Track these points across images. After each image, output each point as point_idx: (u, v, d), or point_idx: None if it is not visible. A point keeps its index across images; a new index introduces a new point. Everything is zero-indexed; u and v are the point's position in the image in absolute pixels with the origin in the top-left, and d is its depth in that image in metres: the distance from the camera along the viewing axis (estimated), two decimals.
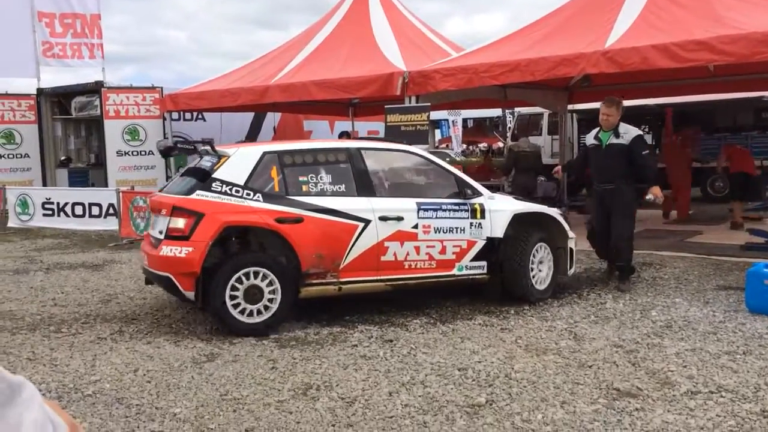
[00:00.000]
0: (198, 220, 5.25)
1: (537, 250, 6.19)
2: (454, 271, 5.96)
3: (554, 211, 6.56)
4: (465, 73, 9.08)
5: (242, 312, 5.26)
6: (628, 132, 6.68)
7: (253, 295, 5.28)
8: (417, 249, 5.79)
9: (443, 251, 5.88)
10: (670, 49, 7.46)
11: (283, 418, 3.73)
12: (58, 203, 11.86)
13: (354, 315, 5.86)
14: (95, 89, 12.83)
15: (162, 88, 12.65)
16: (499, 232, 5.99)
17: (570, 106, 13.95)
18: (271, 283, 5.31)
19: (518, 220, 6.14)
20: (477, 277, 6.07)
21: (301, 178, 5.67)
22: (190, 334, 5.37)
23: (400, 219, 5.72)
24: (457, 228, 5.93)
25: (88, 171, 14.11)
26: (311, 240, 5.43)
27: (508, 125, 24.04)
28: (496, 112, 28.36)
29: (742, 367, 4.33)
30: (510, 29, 10.02)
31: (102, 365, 4.74)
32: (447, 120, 29.75)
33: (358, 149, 6.00)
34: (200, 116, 13.73)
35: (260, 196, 5.46)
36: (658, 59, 7.57)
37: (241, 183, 5.46)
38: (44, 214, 12.11)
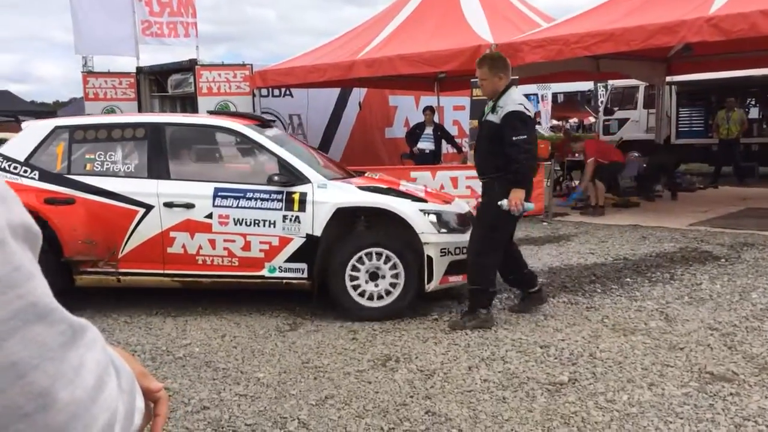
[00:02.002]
0: None
1: (365, 257, 4.99)
2: (264, 273, 5.10)
3: (406, 207, 5.03)
4: (555, 44, 8.76)
5: None
6: (505, 106, 4.69)
7: None
8: (212, 242, 5.10)
9: (247, 247, 5.07)
10: None
11: (362, 388, 3.77)
12: None
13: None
14: (189, 67, 13.26)
15: (252, 65, 12.92)
16: (319, 230, 5.00)
17: (669, 78, 13.25)
18: None
19: (344, 215, 5.08)
20: (294, 282, 5.10)
21: (88, 156, 5.36)
22: (273, 305, 5.50)
23: (189, 206, 5.09)
24: (265, 221, 5.04)
25: None
26: (79, 224, 5.08)
27: (601, 99, 23.16)
28: (587, 85, 27.39)
29: None
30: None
31: (192, 330, 4.95)
32: (536, 94, 29.03)
33: (161, 125, 5.47)
34: (288, 92, 13.95)
35: (37, 173, 5.21)
36: (767, 25, 7.03)
37: (22, 159, 5.26)
38: None
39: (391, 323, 4.93)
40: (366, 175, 6.02)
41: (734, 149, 13.66)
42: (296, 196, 5.05)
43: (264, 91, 13.05)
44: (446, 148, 12.68)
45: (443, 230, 5.06)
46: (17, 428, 0.56)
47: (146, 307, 5.48)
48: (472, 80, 9.33)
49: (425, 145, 11.70)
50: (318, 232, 5.00)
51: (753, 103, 15.88)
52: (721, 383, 3.66)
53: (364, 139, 15.02)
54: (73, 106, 28.90)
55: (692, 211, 9.74)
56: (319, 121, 14.44)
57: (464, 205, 5.73)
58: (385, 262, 5.02)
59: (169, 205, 5.12)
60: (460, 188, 9.55)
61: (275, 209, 5.05)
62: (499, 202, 4.65)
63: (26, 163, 5.32)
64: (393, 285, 5.04)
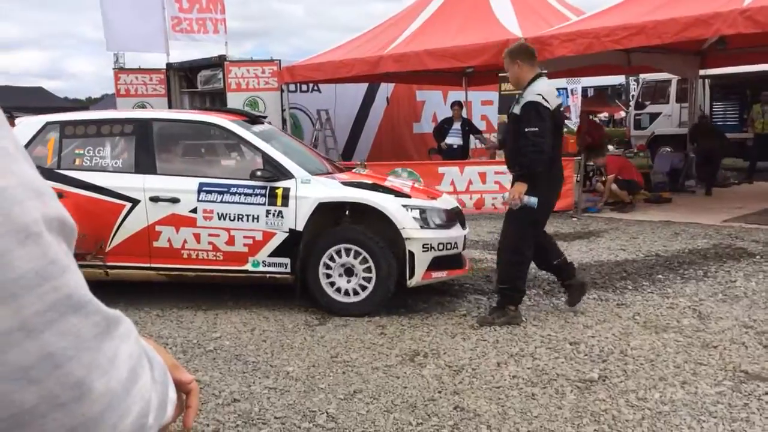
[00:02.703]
0: None
1: (340, 253, 5.03)
2: (248, 267, 5.17)
3: (388, 203, 5.04)
4: (585, 37, 8.65)
5: None
6: (526, 96, 4.57)
7: None
8: (197, 237, 5.18)
9: (231, 242, 5.15)
10: None
11: (390, 382, 3.78)
12: None
13: (464, 283, 5.81)
14: (218, 63, 13.37)
15: (280, 60, 12.98)
16: (301, 225, 5.05)
17: (702, 72, 13.00)
18: None
19: (329, 211, 5.17)
20: (277, 276, 5.17)
21: (78, 151, 5.45)
22: (301, 301, 5.53)
23: (175, 201, 5.18)
24: (249, 215, 5.11)
25: None
26: None
27: (632, 93, 22.82)
28: (618, 79, 27.01)
29: None
30: None
31: (222, 324, 5.01)
32: (566, 89, 28.72)
33: (148, 120, 5.55)
34: (316, 87, 14.00)
35: None
36: None
37: None
38: None
39: (419, 318, 4.93)
40: (354, 170, 6.08)
41: None
42: (279, 191, 5.11)
43: (292, 87, 13.11)
44: (474, 143, 12.62)
45: (426, 226, 5.06)
46: (54, 417, 0.57)
47: (177, 301, 5.55)
48: (500, 75, 9.27)
49: (453, 140, 11.65)
50: (300, 227, 5.06)
51: None
52: (756, 382, 3.59)
53: (391, 134, 15.01)
54: (105, 102, 29.35)
55: (726, 207, 9.56)
56: (347, 116, 14.47)
57: (451, 201, 5.69)
58: (358, 258, 5.03)
59: (154, 199, 5.22)
60: (489, 183, 9.51)
61: (259, 204, 5.11)
62: (504, 194, 4.59)
63: None
64: (368, 280, 5.03)
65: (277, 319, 5.05)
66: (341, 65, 11.46)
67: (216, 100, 13.78)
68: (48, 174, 5.38)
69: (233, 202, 5.15)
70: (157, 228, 5.24)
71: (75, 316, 0.60)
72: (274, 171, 5.17)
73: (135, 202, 5.25)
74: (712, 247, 7.04)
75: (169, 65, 14.17)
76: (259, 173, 5.13)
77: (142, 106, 13.59)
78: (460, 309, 5.15)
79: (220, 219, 5.16)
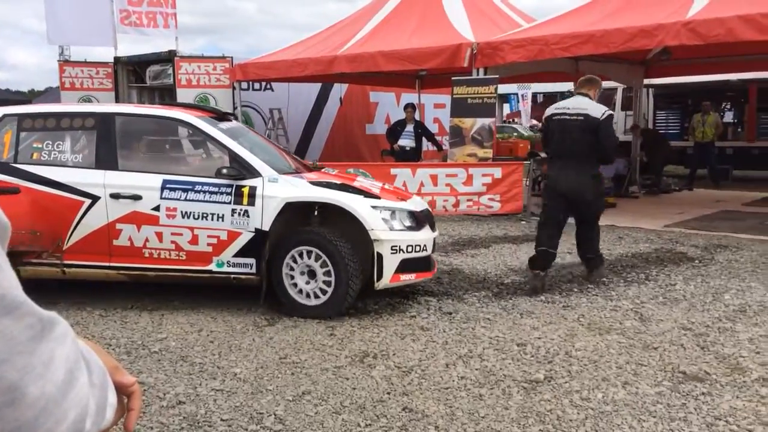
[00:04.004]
0: None
1: (302, 255, 4.95)
2: (212, 267, 5.02)
3: (357, 203, 4.99)
4: (535, 44, 8.83)
5: None
6: None
7: None
8: (159, 235, 5.02)
9: (194, 241, 4.99)
10: (757, 20, 7.02)
11: (339, 384, 3.77)
12: None
13: (413, 286, 5.84)
14: (168, 58, 13.13)
15: (232, 57, 12.83)
16: (267, 224, 4.93)
17: (646, 81, 13.41)
18: None
19: (294, 210, 5.09)
20: (242, 277, 5.04)
21: (36, 145, 5.27)
22: (251, 301, 5.47)
23: (137, 198, 5.00)
24: (213, 214, 4.95)
25: None
26: (23, 214, 4.95)
27: None
28: (567, 86, 27.61)
29: None
30: (581, 2, 9.62)
31: (168, 324, 4.91)
32: (516, 94, 29.12)
33: (110, 114, 5.34)
34: (269, 86, 13.88)
35: None
36: (744, 31, 7.15)
37: None
38: None
39: (369, 320, 4.93)
40: (323, 170, 5.99)
41: (709, 152, 13.87)
42: (246, 190, 4.96)
43: (244, 85, 12.98)
44: (427, 145, 12.71)
45: (396, 227, 5.01)
46: None
47: (122, 300, 5.42)
48: (453, 78, 9.37)
49: (406, 142, 11.72)
50: (267, 227, 4.93)
51: (728, 107, 16.13)
52: (694, 383, 3.72)
53: (344, 134, 14.99)
54: (49, 95, 28.46)
55: (667, 213, 9.88)
56: (300, 115, 14.38)
57: (421, 203, 5.63)
58: (318, 261, 4.94)
59: (115, 196, 5.05)
60: (440, 186, 9.58)
61: (224, 203, 4.97)
62: None
63: None
64: (329, 284, 4.93)
65: (225, 320, 4.98)
66: (294, 64, 11.40)
67: (165, 96, 13.52)
68: (3, 168, 5.21)
69: (198, 200, 4.99)
70: (118, 226, 5.06)
71: (8, 318, 0.57)
72: (241, 169, 5.02)
73: (95, 199, 5.06)
74: (654, 252, 7.26)
75: (116, 59, 13.84)
76: (225, 171, 4.98)
77: (88, 100, 13.22)
78: (410, 310, 5.17)
79: (183, 217, 4.99)
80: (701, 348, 4.28)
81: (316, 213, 5.10)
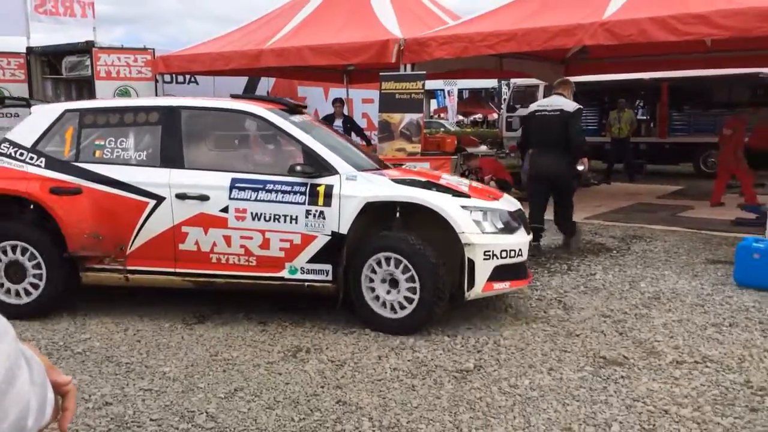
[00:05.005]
0: None
1: (382, 262, 4.51)
2: (284, 273, 4.62)
3: (445, 203, 4.52)
4: (461, 41, 8.97)
5: (17, 293, 4.83)
6: None
7: (15, 272, 4.79)
8: (227, 239, 4.64)
9: (265, 245, 4.60)
10: (668, 22, 7.37)
11: (272, 379, 3.76)
12: None
13: None
14: (86, 49, 12.60)
15: (154, 50, 12.44)
16: (345, 227, 4.51)
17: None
18: (37, 264, 4.79)
19: (378, 212, 4.63)
20: (317, 285, 4.63)
21: (98, 142, 4.95)
22: (180, 297, 5.36)
23: (204, 198, 4.63)
24: (286, 216, 4.55)
25: None
26: (85, 216, 4.74)
27: (504, 96, 23.92)
28: (492, 82, 28.22)
29: (728, 338, 4.39)
30: (505, 0, 9.86)
31: (92, 324, 4.75)
32: (443, 90, 29.54)
33: (176, 108, 4.99)
34: (193, 79, 13.55)
35: (44, 160, 4.88)
36: (655, 32, 7.49)
37: (28, 145, 4.94)
38: None
39: (301, 314, 4.92)
40: (404, 166, 5.52)
41: (625, 147, 14.50)
42: (321, 189, 4.54)
43: (167, 77, 12.63)
44: (356, 140, 12.73)
45: (488, 230, 4.54)
46: None
47: None
48: (381, 74, 9.43)
49: None
50: (344, 230, 4.49)
51: (642, 104, 16.88)
52: (613, 367, 3.91)
53: None
54: None
55: (587, 206, 10.27)
56: None
57: (514, 203, 5.13)
58: (400, 267, 4.47)
59: (181, 196, 4.66)
60: None
61: (297, 203, 4.54)
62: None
63: (33, 149, 4.95)
64: (413, 291, 4.46)
65: (152, 318, 4.86)
66: (219, 57, 11.17)
67: (83, 89, 13.00)
68: (64, 167, 4.87)
69: (269, 201, 4.57)
70: (184, 229, 4.68)
71: None
72: (316, 166, 4.60)
73: (160, 200, 4.69)
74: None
75: (29, 49, 13.18)
76: (298, 168, 4.54)
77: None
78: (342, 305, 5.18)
79: (254, 219, 4.58)
80: (620, 334, 4.50)
81: (398, 214, 4.62)
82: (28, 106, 5.51)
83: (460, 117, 32.18)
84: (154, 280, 4.86)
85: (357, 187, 4.55)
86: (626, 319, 4.82)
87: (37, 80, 13.35)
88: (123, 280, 4.87)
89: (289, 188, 4.57)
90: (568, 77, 7.46)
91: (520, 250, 4.66)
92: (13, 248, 4.81)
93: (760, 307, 5.05)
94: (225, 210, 4.62)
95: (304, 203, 4.54)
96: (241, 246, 4.64)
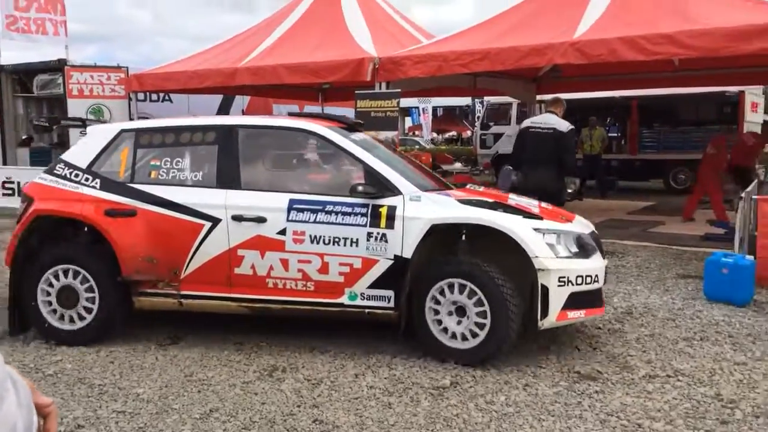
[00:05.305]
0: (27, 207, 4.85)
1: (448, 288, 4.27)
2: (344, 299, 4.40)
3: (517, 225, 4.26)
4: (435, 60, 9.08)
5: (71, 319, 4.71)
6: None
7: (67, 297, 4.68)
8: (285, 263, 4.43)
9: (324, 270, 4.39)
10: (637, 42, 7.55)
11: (248, 399, 3.73)
12: (18, 183, 11.59)
13: None
14: (58, 67, 12.53)
15: (128, 68, 12.41)
16: (409, 251, 4.29)
17: (539, 97, 14.08)
18: (90, 287, 4.66)
19: (442, 234, 4.40)
20: (378, 312, 4.39)
21: (154, 162, 4.84)
22: (153, 318, 5.30)
23: (261, 220, 4.46)
24: (346, 239, 4.34)
25: (51, 151, 13.80)
26: (140, 239, 4.60)
27: (477, 114, 24.19)
28: (466, 100, 28.54)
29: (699, 352, 4.46)
30: (477, 19, 10.06)
31: (64, 345, 4.67)
32: (417, 107, 29.76)
33: (233, 127, 4.85)
34: (167, 97, 13.52)
35: (99, 182, 4.78)
36: (625, 51, 7.67)
37: (84, 166, 4.84)
38: (4, 194, 11.83)
39: (277, 333, 4.90)
40: (468, 186, 5.33)
41: (597, 164, 14.74)
42: (384, 210, 4.32)
43: (141, 96, 12.57)
44: None
45: (562, 254, 4.28)
46: None
47: None
48: (357, 92, 9.50)
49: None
50: (408, 254, 4.27)
51: (613, 122, 17.19)
52: (588, 382, 3.95)
53: None
54: None
55: None
56: None
57: (587, 225, 4.88)
58: (469, 297, 4.22)
59: (237, 218, 4.49)
60: None
61: (358, 225, 4.33)
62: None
63: (88, 170, 4.85)
64: (482, 322, 4.22)
65: (125, 339, 4.80)
66: (194, 76, 11.15)
67: (55, 107, 12.89)
68: (120, 189, 4.74)
69: (329, 223, 4.37)
70: (240, 252, 4.49)
71: None
72: (378, 186, 4.39)
73: (215, 222, 4.52)
74: None
75: (0, 67, 13.05)
76: (361, 188, 4.33)
77: None
78: (316, 323, 5.17)
79: (312, 242, 4.38)
80: (593, 349, 4.55)
81: (463, 237, 4.38)
82: (84, 126, 5.39)
83: (435, 134, 32.44)
84: (208, 306, 4.67)
85: (421, 209, 4.34)
86: (599, 334, 4.88)
87: (8, 98, 13.21)
88: (176, 305, 4.68)
89: (349, 209, 4.37)
90: (559, 95, 7.77)
91: (596, 275, 4.38)
92: (65, 272, 4.69)
93: (730, 321, 5.15)
94: (282, 232, 4.44)
95: (365, 225, 4.33)
96: (299, 270, 4.44)
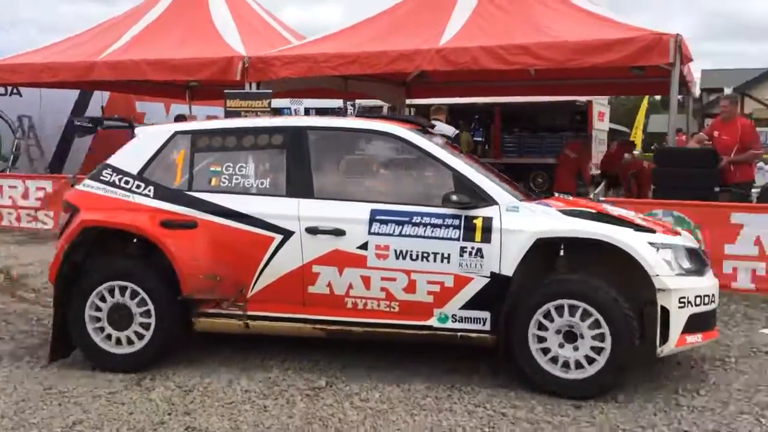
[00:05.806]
0: (71, 217, 4.34)
1: (554, 312, 3.83)
2: (433, 322, 3.98)
3: (632, 240, 3.86)
4: (305, 62, 9.08)
5: (118, 341, 4.19)
6: None
7: (120, 317, 4.17)
8: (366, 280, 4.02)
9: (411, 288, 3.98)
10: (496, 52, 7.98)
11: (114, 410, 3.58)
12: None
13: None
14: None
15: None
16: (509, 268, 3.89)
17: (408, 101, 14.47)
18: (144, 306, 4.16)
19: (545, 249, 3.95)
20: (472, 335, 3.97)
21: (213, 168, 4.37)
22: (6, 328, 4.93)
23: (339, 233, 4.03)
24: (436, 254, 3.93)
25: None
26: (202, 254, 4.14)
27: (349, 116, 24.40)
28: (337, 102, 28.64)
29: None
30: (346, 22, 10.17)
31: None
32: (290, 108, 29.58)
33: (303, 129, 4.41)
34: (15, 90, 12.52)
35: (152, 189, 4.30)
36: (486, 60, 8.07)
37: (134, 172, 4.36)
38: None
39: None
40: (556, 195, 4.80)
41: None
42: (478, 222, 3.90)
43: None
44: None
45: (677, 272, 3.89)
46: None
47: None
48: (226, 91, 9.30)
49: None
50: (508, 271, 3.85)
51: (477, 127, 18.00)
52: (458, 375, 4.14)
53: (109, 146, 14.00)
54: None
55: None
56: (55, 124, 13.18)
57: (692, 239, 4.54)
58: (583, 319, 3.78)
59: (312, 231, 4.05)
60: None
61: (451, 239, 3.91)
62: None
63: (140, 176, 4.33)
64: (597, 350, 3.77)
65: None
66: (45, 68, 10.40)
67: None
68: (176, 197, 4.22)
69: (416, 236, 3.94)
70: (315, 268, 4.05)
71: None
72: (472, 195, 3.96)
73: (287, 234, 4.07)
74: None
75: None
76: (454, 198, 3.91)
77: None
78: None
79: (397, 258, 3.95)
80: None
81: (562, 252, 3.95)
82: (132, 128, 4.70)
83: None
84: (279, 328, 4.23)
85: (521, 220, 3.93)
86: None
87: None
88: (242, 327, 4.22)
89: (440, 221, 3.96)
90: (441, 105, 8.94)
91: (713, 295, 4.03)
92: (121, 289, 4.16)
93: None
94: (364, 247, 4.01)
95: (458, 239, 3.92)
96: (382, 289, 4.02)
